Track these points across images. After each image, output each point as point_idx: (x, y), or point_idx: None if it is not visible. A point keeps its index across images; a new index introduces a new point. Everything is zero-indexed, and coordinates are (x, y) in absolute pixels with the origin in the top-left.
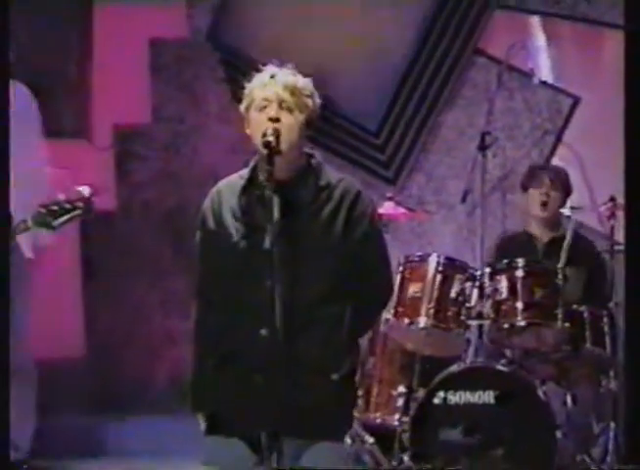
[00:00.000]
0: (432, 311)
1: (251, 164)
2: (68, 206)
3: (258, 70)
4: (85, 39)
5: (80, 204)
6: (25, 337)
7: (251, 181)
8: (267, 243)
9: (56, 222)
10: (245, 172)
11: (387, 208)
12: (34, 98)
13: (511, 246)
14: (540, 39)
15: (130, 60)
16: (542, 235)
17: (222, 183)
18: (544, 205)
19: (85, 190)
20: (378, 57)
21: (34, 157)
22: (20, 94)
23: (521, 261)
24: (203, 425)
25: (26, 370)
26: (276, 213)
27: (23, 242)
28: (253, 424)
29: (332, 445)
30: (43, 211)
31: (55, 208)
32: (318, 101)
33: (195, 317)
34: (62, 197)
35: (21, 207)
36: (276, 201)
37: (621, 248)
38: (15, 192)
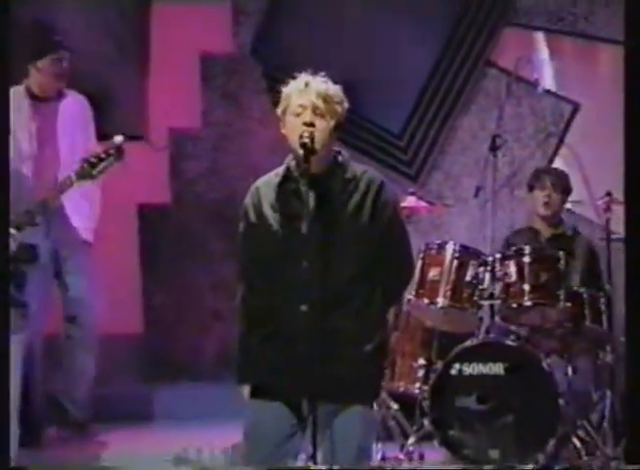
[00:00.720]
0: (449, 293)
1: (286, 162)
2: (103, 155)
3: (294, 78)
4: (143, 55)
5: (112, 151)
6: (90, 313)
7: (287, 177)
8: (304, 229)
9: (95, 171)
10: (280, 170)
11: (409, 202)
12: (90, 105)
13: (518, 239)
14: (544, 53)
15: (183, 71)
16: (544, 231)
17: (260, 181)
18: (546, 204)
19: (117, 139)
20: (402, 69)
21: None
22: (74, 101)
23: (527, 249)
24: (246, 392)
25: (89, 343)
26: (311, 203)
27: (80, 226)
28: (295, 391)
29: (362, 409)
30: (84, 164)
31: (93, 159)
32: (346, 106)
33: (239, 299)
34: (98, 149)
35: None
36: (310, 193)
37: (616, 237)
38: None
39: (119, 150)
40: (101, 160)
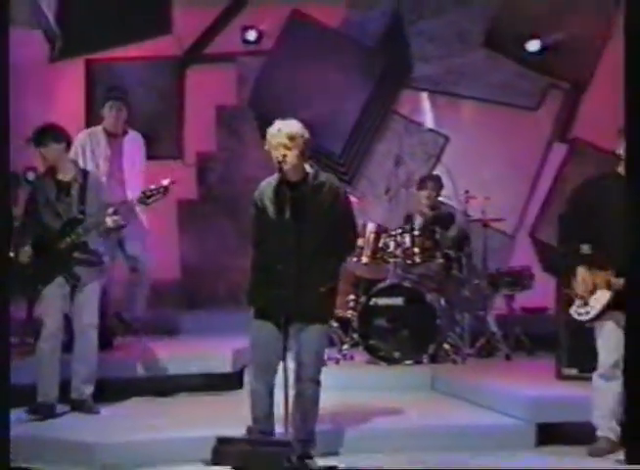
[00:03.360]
0: (369, 254)
1: (276, 174)
2: (155, 191)
3: (273, 123)
4: (180, 104)
5: (162, 189)
6: (143, 265)
7: (279, 183)
8: (287, 215)
9: (149, 201)
10: (274, 178)
11: None
12: (143, 139)
13: (414, 215)
14: (428, 105)
15: (204, 115)
16: (428, 213)
17: (262, 183)
18: (428, 198)
19: (165, 181)
20: (343, 113)
21: (141, 173)
22: (134, 137)
23: (418, 225)
24: (253, 313)
25: (144, 284)
26: (290, 200)
27: (143, 217)
28: (278, 314)
29: (320, 327)
30: (142, 195)
31: (148, 193)
32: (307, 137)
33: (252, 255)
34: (152, 186)
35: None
36: (289, 193)
37: (472, 219)
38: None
39: (166, 189)
40: (153, 194)
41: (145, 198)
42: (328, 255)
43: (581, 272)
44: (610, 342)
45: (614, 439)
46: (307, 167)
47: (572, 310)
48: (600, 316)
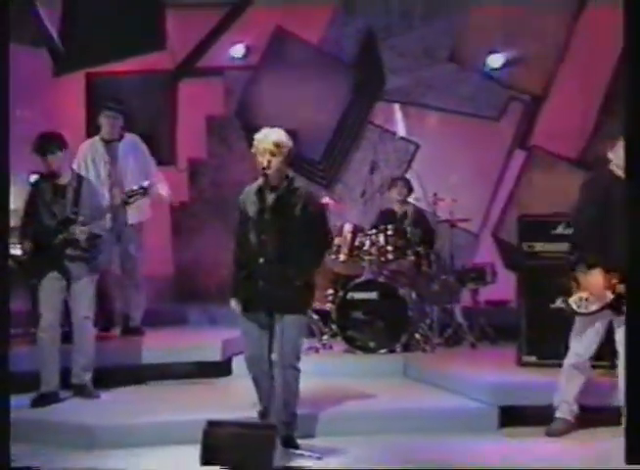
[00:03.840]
0: (346, 252)
1: (260, 179)
2: (135, 191)
3: (259, 130)
4: (173, 114)
5: (141, 190)
6: (136, 264)
7: (260, 187)
8: (267, 216)
9: (130, 200)
10: (257, 183)
11: (325, 200)
12: (143, 142)
13: (385, 215)
14: (399, 115)
15: (196, 125)
16: (399, 210)
17: (246, 189)
18: (399, 194)
19: (145, 183)
20: (322, 123)
21: (151, 173)
22: (129, 140)
23: (390, 226)
24: (233, 304)
25: (137, 280)
26: (270, 202)
27: (129, 214)
28: (261, 306)
29: (298, 318)
30: (124, 195)
31: (130, 193)
32: (291, 145)
33: (234, 252)
34: (134, 187)
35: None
36: (270, 196)
37: (440, 219)
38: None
39: (146, 190)
40: (134, 194)
41: (127, 197)
42: (303, 251)
43: (597, 273)
44: (590, 338)
45: (571, 420)
46: (289, 173)
47: (572, 301)
48: (596, 313)
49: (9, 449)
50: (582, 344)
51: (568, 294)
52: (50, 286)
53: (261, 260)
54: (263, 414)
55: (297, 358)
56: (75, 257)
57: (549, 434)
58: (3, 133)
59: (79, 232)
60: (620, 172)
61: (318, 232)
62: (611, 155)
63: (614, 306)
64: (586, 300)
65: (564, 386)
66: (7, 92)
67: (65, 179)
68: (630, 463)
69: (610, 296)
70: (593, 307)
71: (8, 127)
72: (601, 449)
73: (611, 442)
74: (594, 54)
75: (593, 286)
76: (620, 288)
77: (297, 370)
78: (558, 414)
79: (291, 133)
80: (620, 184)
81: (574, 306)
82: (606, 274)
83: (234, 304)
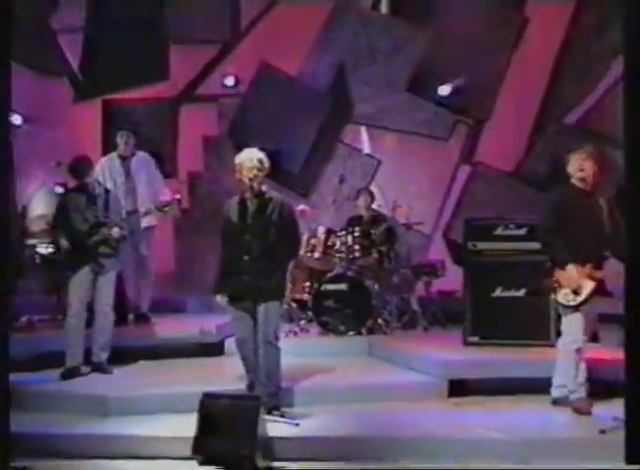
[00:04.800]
0: (320, 250)
1: (242, 190)
2: (170, 202)
3: (243, 150)
4: (174, 135)
5: (175, 202)
6: (148, 261)
7: (242, 198)
8: (249, 221)
9: (165, 209)
10: (239, 195)
11: (302, 207)
12: (153, 158)
13: (353, 219)
14: (365, 135)
15: (193, 144)
16: (366, 215)
17: (230, 200)
18: (365, 202)
19: (177, 195)
20: (301, 141)
21: (160, 186)
22: (141, 157)
23: (357, 228)
24: (219, 298)
25: (148, 275)
26: (252, 209)
27: (144, 221)
28: (245, 297)
29: (277, 303)
30: (159, 204)
31: (165, 203)
32: (269, 162)
33: (220, 253)
34: (168, 198)
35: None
36: (252, 203)
37: (399, 223)
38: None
39: (180, 200)
40: (169, 204)
41: (162, 207)
42: (278, 250)
43: (571, 269)
44: (583, 321)
45: (586, 397)
46: (263, 187)
47: (560, 297)
48: (585, 302)
49: (9, 450)
50: (580, 329)
51: (555, 291)
52: (80, 279)
53: (246, 258)
54: (250, 387)
55: (277, 337)
56: (108, 254)
57: (580, 411)
58: (3, 137)
59: (115, 233)
60: (580, 184)
61: (291, 233)
62: (570, 169)
63: (597, 291)
64: (573, 293)
65: (574, 372)
66: (8, 107)
67: (95, 191)
68: (630, 463)
69: (591, 283)
70: (580, 298)
71: (8, 133)
72: (531, 413)
73: (538, 407)
74: (527, 84)
75: (570, 280)
76: (598, 273)
77: (278, 348)
78: (576, 395)
79: (274, 150)
80: (580, 195)
81: (564, 302)
82: (580, 267)
83: (219, 298)
